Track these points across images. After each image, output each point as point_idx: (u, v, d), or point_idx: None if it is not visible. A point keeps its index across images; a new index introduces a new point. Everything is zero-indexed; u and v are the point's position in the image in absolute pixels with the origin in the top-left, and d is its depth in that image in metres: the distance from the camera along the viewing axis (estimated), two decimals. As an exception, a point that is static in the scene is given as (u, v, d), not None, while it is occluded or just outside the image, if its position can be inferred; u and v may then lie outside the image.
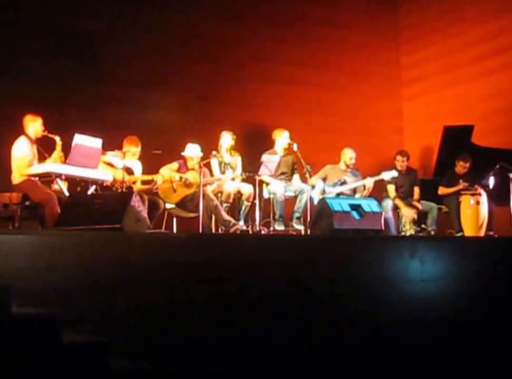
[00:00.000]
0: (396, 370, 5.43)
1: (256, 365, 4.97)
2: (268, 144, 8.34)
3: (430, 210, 8.27)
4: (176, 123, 8.73)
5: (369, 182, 8.05)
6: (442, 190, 8.37)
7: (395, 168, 8.33)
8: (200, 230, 6.84)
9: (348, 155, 8.31)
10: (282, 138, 8.16)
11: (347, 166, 8.31)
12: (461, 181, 8.20)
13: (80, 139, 6.34)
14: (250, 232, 7.44)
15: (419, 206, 8.26)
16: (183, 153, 7.58)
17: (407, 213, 8.23)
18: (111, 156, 7.05)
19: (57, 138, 6.63)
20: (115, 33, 8.59)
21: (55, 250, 4.64)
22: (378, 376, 5.37)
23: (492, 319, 5.86)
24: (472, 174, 8.30)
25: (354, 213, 6.97)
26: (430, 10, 10.50)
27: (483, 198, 7.99)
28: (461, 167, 8.35)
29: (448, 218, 8.38)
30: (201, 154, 7.52)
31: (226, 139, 7.92)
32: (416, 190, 8.45)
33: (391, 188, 8.36)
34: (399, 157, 8.48)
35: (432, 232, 8.08)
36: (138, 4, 8.80)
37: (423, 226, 8.24)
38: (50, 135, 6.62)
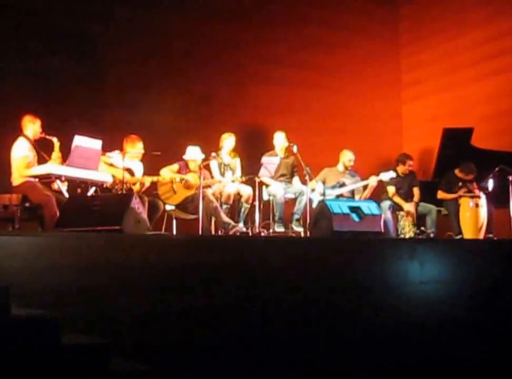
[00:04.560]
0: (396, 372, 5.43)
1: (255, 366, 4.97)
2: (267, 146, 8.36)
3: (429, 212, 8.27)
4: (176, 124, 8.73)
5: (372, 181, 8.06)
6: (441, 195, 8.35)
7: (394, 170, 8.33)
8: (200, 232, 6.84)
9: (348, 157, 8.33)
10: (277, 139, 8.18)
11: (346, 168, 8.33)
12: (460, 184, 8.19)
13: (80, 141, 6.33)
14: (250, 234, 7.44)
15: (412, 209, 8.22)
16: (184, 157, 7.56)
17: (408, 208, 8.21)
18: (112, 157, 7.05)
19: (55, 140, 6.62)
20: (115, 35, 8.60)
21: (55, 251, 4.65)
22: (378, 378, 5.37)
23: (492, 321, 5.87)
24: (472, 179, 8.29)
25: (354, 216, 6.96)
26: (430, 13, 10.50)
27: (483, 201, 7.98)
28: (464, 176, 8.29)
29: (447, 220, 8.36)
30: (202, 156, 7.49)
31: (230, 141, 7.92)
32: (416, 191, 8.44)
33: (391, 189, 8.36)
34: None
35: (432, 235, 8.08)
36: (138, 5, 8.80)
37: (422, 228, 8.24)
38: (47, 137, 6.61)
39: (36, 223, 6.41)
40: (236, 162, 7.97)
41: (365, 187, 8.18)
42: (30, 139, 6.56)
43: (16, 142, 6.48)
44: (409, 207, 8.23)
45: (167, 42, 9.02)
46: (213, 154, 7.59)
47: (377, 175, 8.14)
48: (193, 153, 7.54)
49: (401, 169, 8.44)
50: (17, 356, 3.29)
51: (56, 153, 6.59)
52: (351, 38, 10.43)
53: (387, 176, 8.13)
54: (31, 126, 6.58)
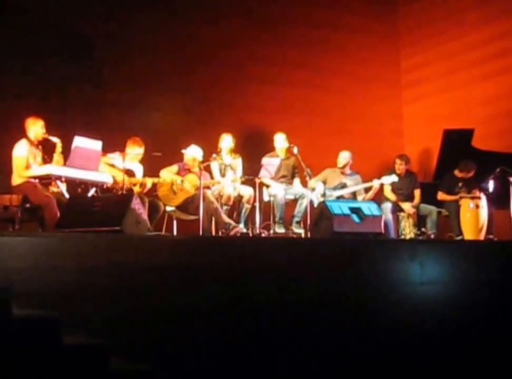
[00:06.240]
0: (397, 373, 5.43)
1: (256, 366, 4.98)
2: (268, 146, 8.35)
3: (429, 213, 8.27)
4: (176, 125, 8.73)
5: (374, 184, 8.07)
6: (441, 196, 8.35)
7: (395, 172, 8.35)
8: (201, 233, 6.84)
9: (341, 156, 8.34)
10: (277, 141, 8.19)
11: (341, 168, 8.33)
12: (460, 184, 8.19)
13: (80, 142, 6.35)
14: (251, 235, 7.44)
15: (412, 210, 8.25)
16: (184, 151, 7.58)
17: (407, 208, 8.23)
18: (113, 158, 7.06)
19: (58, 141, 6.64)
20: (115, 35, 8.60)
21: (55, 252, 4.65)
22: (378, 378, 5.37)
23: (491, 322, 5.86)
24: (471, 178, 8.30)
25: (354, 217, 6.97)
26: (430, 14, 10.50)
27: (483, 202, 7.98)
28: (465, 175, 8.31)
29: (447, 221, 8.37)
30: (200, 158, 7.54)
31: (227, 141, 7.93)
32: (417, 193, 8.46)
33: (387, 189, 8.38)
34: (397, 160, 8.52)
35: (432, 236, 8.08)
36: (138, 6, 8.81)
37: (423, 229, 8.25)
38: (50, 137, 6.63)
39: (36, 224, 6.42)
40: (238, 163, 7.97)
41: (367, 189, 8.18)
42: (32, 140, 6.58)
43: (17, 143, 6.51)
44: (407, 206, 8.24)
45: (168, 42, 9.02)
46: (214, 155, 7.61)
47: (379, 177, 8.16)
48: (194, 151, 7.57)
49: (395, 168, 8.48)
50: (18, 356, 3.29)
51: (57, 155, 6.61)
52: (351, 39, 10.43)
53: (389, 179, 8.15)
54: (33, 128, 6.61)
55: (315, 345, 5.20)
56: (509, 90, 9.24)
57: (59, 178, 6.37)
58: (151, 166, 7.46)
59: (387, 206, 8.22)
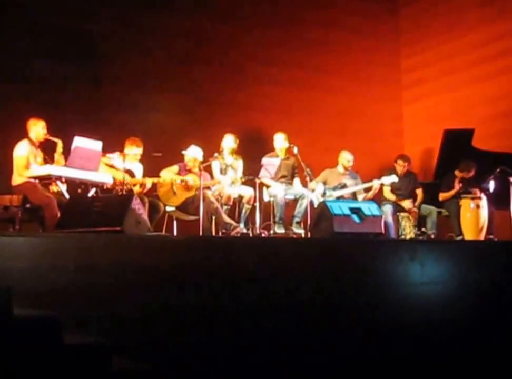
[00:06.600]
0: (397, 373, 5.43)
1: (254, 366, 4.98)
2: (267, 147, 8.35)
3: (429, 213, 8.28)
4: (176, 126, 8.73)
5: (374, 184, 8.07)
6: (442, 196, 8.36)
7: (395, 172, 8.35)
8: (201, 233, 6.84)
9: (346, 158, 8.33)
10: (277, 141, 8.18)
11: (346, 169, 8.33)
12: (456, 182, 8.20)
13: (80, 142, 6.35)
14: (251, 235, 7.44)
15: (415, 210, 8.25)
16: (184, 152, 7.58)
17: (407, 205, 8.24)
18: (113, 159, 7.07)
19: (59, 141, 6.65)
20: (115, 35, 8.60)
21: (56, 252, 4.65)
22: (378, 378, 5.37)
23: (491, 322, 5.86)
24: (472, 178, 8.30)
25: (354, 217, 6.97)
26: (430, 14, 10.51)
27: (484, 202, 7.99)
28: (465, 175, 8.31)
29: (447, 221, 8.37)
30: (201, 158, 7.55)
31: (229, 141, 7.93)
32: (419, 192, 8.47)
33: (386, 189, 8.38)
34: (400, 161, 8.50)
35: (432, 236, 8.08)
36: (138, 6, 8.81)
37: (423, 229, 8.25)
38: (51, 138, 6.65)
39: (37, 225, 6.43)
40: (239, 164, 7.97)
41: (367, 189, 8.18)
42: (33, 141, 6.59)
43: (18, 143, 6.52)
44: (407, 203, 8.25)
45: (168, 43, 9.01)
46: (215, 155, 7.61)
47: (379, 177, 8.16)
48: (194, 151, 7.58)
49: (397, 169, 8.48)
50: (19, 356, 3.29)
51: (59, 155, 6.62)
52: (352, 39, 10.43)
53: (389, 180, 8.15)
54: (34, 128, 6.64)
55: (315, 345, 5.20)
56: (509, 90, 9.24)
57: (59, 178, 6.38)
58: (151, 166, 7.46)
59: (388, 209, 8.21)
